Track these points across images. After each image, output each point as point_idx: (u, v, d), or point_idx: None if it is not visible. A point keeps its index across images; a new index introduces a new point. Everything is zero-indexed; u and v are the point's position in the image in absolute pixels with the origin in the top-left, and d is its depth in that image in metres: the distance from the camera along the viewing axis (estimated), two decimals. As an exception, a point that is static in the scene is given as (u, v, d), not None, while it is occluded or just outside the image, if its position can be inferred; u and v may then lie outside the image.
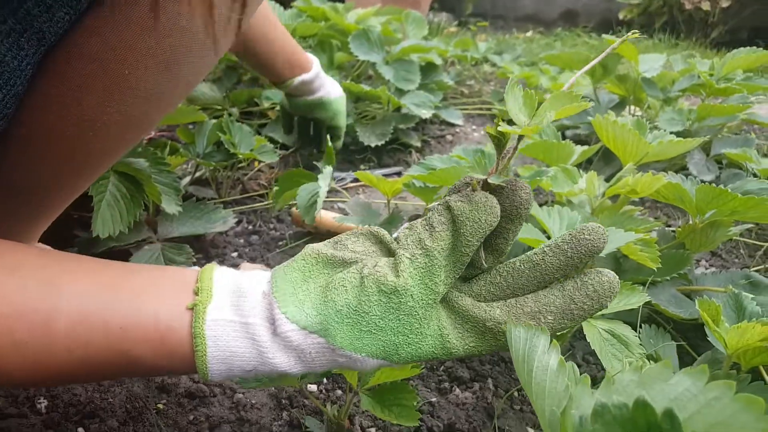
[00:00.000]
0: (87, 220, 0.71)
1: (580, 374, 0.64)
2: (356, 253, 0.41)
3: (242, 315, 0.38)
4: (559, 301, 0.38)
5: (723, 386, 0.26)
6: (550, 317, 0.38)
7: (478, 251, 0.40)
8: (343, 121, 1.14)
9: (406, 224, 0.42)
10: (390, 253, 0.41)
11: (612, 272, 0.38)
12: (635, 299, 0.51)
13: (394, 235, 0.42)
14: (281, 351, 0.38)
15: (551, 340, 0.33)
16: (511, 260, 0.41)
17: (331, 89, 1.09)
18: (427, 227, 0.39)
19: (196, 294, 0.39)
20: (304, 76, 1.02)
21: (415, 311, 0.38)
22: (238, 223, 0.97)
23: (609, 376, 0.28)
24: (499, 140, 0.38)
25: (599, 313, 0.52)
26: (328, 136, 0.94)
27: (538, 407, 0.31)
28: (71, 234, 0.81)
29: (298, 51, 1.02)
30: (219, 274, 0.40)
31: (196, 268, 0.42)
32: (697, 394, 0.26)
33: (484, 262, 0.40)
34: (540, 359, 0.32)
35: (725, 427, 0.25)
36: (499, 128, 0.37)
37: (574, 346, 0.68)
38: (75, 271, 0.39)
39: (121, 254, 0.77)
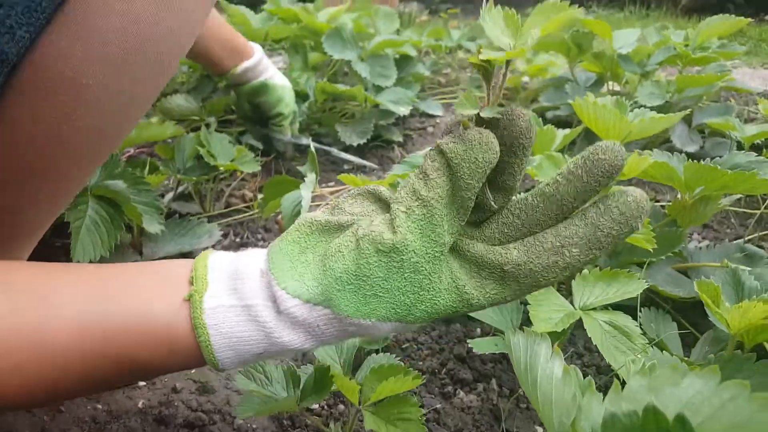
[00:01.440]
0: (69, 248, 0.69)
1: (583, 364, 0.64)
2: (354, 215, 0.39)
3: (242, 298, 0.37)
4: (582, 230, 0.35)
5: (737, 386, 0.25)
6: (575, 250, 0.34)
7: (483, 192, 0.37)
8: (287, 110, 1.13)
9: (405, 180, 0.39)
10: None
11: (639, 190, 0.34)
12: (633, 287, 0.51)
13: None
14: (288, 328, 0.36)
15: (553, 346, 0.32)
16: (521, 196, 0.37)
17: (275, 75, 1.09)
18: (421, 176, 0.36)
19: (192, 284, 0.37)
20: (246, 63, 1.03)
21: (421, 266, 0.35)
22: (225, 236, 0.95)
23: (617, 385, 0.27)
24: (486, 69, 0.35)
25: (600, 304, 0.51)
26: (311, 145, 0.92)
27: (545, 417, 0.30)
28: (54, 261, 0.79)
29: (237, 38, 1.01)
30: (214, 259, 0.39)
31: (191, 260, 0.40)
32: (710, 397, 0.25)
33: (492, 203, 0.37)
34: (544, 368, 0.31)
35: (742, 429, 0.24)
36: (482, 56, 0.34)
37: (575, 335, 0.67)
38: (66, 281, 0.37)
39: (107, 281, 0.75)
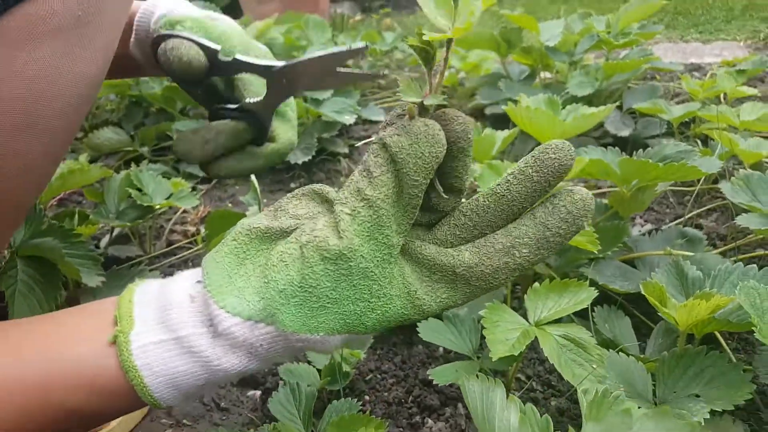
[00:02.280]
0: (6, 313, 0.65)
1: (546, 370, 0.64)
2: (298, 218, 0.36)
3: (172, 330, 0.34)
4: (532, 230, 0.34)
5: (687, 427, 0.25)
6: (525, 250, 0.34)
7: (432, 188, 0.35)
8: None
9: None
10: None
11: (584, 189, 0.35)
12: (584, 296, 0.51)
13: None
14: (227, 353, 0.34)
15: (507, 394, 0.32)
16: (473, 197, 0.36)
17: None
18: (364, 174, 0.34)
19: (116, 324, 0.35)
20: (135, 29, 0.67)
21: (371, 272, 0.33)
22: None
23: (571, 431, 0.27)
24: (426, 52, 0.33)
25: (554, 317, 0.52)
26: (253, 178, 0.84)
27: (509, 465, 0.30)
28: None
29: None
30: (139, 292, 0.36)
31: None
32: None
33: (443, 195, 0.36)
34: (500, 417, 0.31)
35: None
36: (423, 37, 0.31)
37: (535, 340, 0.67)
38: None
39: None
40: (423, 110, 0.34)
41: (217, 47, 0.59)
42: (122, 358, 0.34)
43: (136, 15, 0.63)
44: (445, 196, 0.36)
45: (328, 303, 0.33)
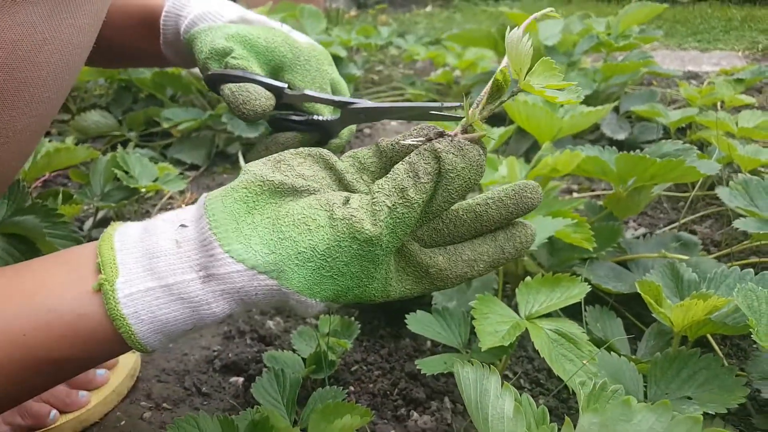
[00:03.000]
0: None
1: (534, 368, 0.63)
2: (305, 179, 0.37)
3: (160, 278, 0.34)
4: (492, 250, 0.39)
5: (690, 421, 0.24)
6: (482, 265, 0.39)
7: None
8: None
9: (350, 153, 0.39)
10: (341, 182, 0.38)
11: (532, 225, 0.40)
12: (576, 291, 0.50)
13: (344, 160, 0.39)
14: (218, 298, 0.34)
15: (502, 382, 0.30)
16: (453, 208, 0.39)
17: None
18: (411, 174, 0.35)
19: (100, 271, 0.34)
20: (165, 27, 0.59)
21: (379, 258, 0.35)
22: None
23: (568, 422, 0.25)
24: (500, 87, 0.35)
25: (545, 311, 0.50)
26: (242, 159, 0.80)
27: (501, 457, 0.29)
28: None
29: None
30: (120, 238, 0.35)
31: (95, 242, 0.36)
32: (665, 432, 0.24)
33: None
34: (494, 405, 0.29)
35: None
36: (522, 82, 0.33)
37: (524, 337, 0.66)
38: None
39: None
40: (465, 131, 0.37)
41: (284, 85, 0.51)
42: (108, 307, 0.33)
43: (161, 13, 0.57)
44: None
45: (336, 275, 0.35)
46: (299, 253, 0.34)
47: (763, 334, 0.43)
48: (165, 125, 1.17)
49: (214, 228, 0.34)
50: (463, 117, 0.37)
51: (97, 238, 0.92)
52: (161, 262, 0.34)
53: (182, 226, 0.35)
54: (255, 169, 0.36)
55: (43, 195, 0.80)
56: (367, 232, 0.34)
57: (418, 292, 0.39)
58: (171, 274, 0.34)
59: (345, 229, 0.34)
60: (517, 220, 0.40)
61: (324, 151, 0.38)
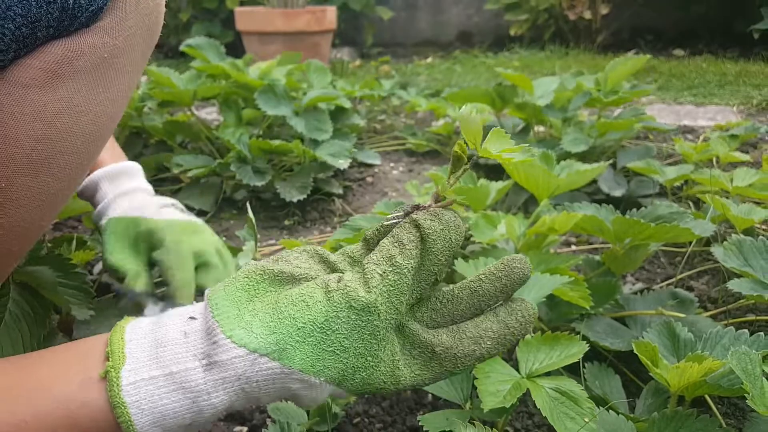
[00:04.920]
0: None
1: (534, 424, 0.64)
2: (302, 269, 0.39)
3: (165, 366, 0.34)
4: (496, 326, 0.40)
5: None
6: (489, 342, 0.39)
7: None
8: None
9: (341, 250, 0.41)
10: (335, 271, 0.40)
11: (531, 301, 0.42)
12: (575, 350, 0.52)
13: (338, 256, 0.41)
14: (218, 387, 0.34)
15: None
16: (448, 287, 0.41)
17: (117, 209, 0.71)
18: (396, 244, 0.38)
19: (108, 359, 0.35)
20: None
21: (379, 331, 0.36)
22: (163, 309, 0.90)
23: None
24: (459, 159, 0.38)
25: (545, 370, 0.52)
26: (250, 213, 0.88)
27: None
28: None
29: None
30: (131, 329, 0.37)
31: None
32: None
33: (438, 278, 0.40)
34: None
35: None
36: (477, 150, 0.37)
37: (524, 397, 0.67)
38: None
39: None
40: (438, 200, 0.40)
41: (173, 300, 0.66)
42: (111, 394, 0.34)
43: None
44: (439, 279, 0.40)
45: (338, 350, 0.35)
46: (299, 329, 0.35)
47: (758, 399, 0.45)
48: (175, 171, 1.20)
49: (217, 315, 0.35)
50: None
51: (106, 283, 0.93)
52: (167, 350, 0.35)
53: (191, 318, 0.37)
54: (256, 262, 0.39)
55: (58, 240, 0.82)
56: (362, 299, 0.35)
57: (430, 378, 0.39)
58: (175, 362, 0.34)
59: (341, 299, 0.36)
60: (516, 296, 0.41)
61: (317, 247, 0.42)
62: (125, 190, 0.73)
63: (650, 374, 0.58)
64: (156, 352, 0.35)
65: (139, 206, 0.71)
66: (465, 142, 0.37)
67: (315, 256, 0.41)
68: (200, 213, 1.23)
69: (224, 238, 1.14)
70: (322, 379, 0.35)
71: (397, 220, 0.40)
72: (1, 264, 0.44)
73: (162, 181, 1.33)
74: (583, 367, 0.62)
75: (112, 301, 0.80)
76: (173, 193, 1.27)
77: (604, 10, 3.75)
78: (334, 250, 0.81)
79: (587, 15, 3.75)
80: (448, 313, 0.40)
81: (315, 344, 0.35)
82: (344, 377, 0.36)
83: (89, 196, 0.74)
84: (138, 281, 0.67)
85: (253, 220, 0.86)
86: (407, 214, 0.40)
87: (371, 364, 0.36)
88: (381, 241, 0.39)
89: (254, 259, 0.86)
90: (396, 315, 0.37)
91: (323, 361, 0.35)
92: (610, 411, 0.51)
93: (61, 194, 0.42)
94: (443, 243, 0.38)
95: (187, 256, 0.67)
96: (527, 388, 0.49)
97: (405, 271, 0.37)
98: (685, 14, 3.86)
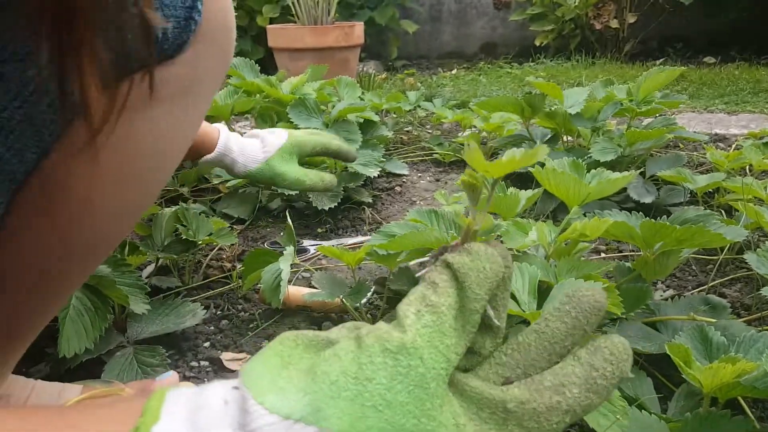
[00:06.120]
0: (55, 333, 0.69)
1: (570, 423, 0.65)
2: (339, 334, 0.36)
3: (198, 429, 0.31)
4: (579, 370, 0.34)
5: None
6: (575, 390, 0.33)
7: (485, 314, 0.36)
8: (284, 181, 1.08)
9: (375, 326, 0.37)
10: None
11: (621, 337, 0.35)
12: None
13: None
14: None
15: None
16: (512, 337, 0.37)
17: (247, 160, 1.05)
18: (429, 285, 0.34)
19: (142, 416, 0.32)
20: (207, 157, 1.02)
21: (427, 382, 0.31)
22: (207, 308, 0.95)
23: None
24: (473, 188, 0.36)
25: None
26: (289, 221, 0.94)
27: None
28: (41, 349, 0.78)
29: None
30: (173, 392, 0.34)
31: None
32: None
33: (495, 321, 0.36)
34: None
35: None
36: (472, 173, 0.36)
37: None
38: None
39: (94, 364, 0.75)
40: (469, 237, 0.37)
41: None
42: None
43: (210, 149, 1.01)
44: (497, 322, 0.36)
45: (380, 404, 0.31)
46: (332, 383, 0.31)
47: (789, 397, 0.46)
48: (215, 182, 1.25)
49: (248, 382, 0.32)
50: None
51: (155, 286, 0.98)
52: (204, 415, 0.32)
53: (235, 387, 0.34)
54: (291, 331, 0.36)
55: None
56: (396, 339, 0.32)
57: None
58: (208, 427, 0.31)
59: (373, 342, 0.32)
60: (598, 334, 0.37)
61: (358, 322, 0.38)
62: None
63: (682, 377, 0.60)
64: (193, 416, 0.32)
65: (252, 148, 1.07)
66: (474, 171, 0.36)
67: (351, 327, 0.37)
68: (238, 221, 1.27)
69: (262, 244, 1.18)
70: None
71: (427, 268, 0.36)
72: (86, 270, 0.48)
73: (203, 192, 1.39)
74: (616, 369, 0.64)
75: (162, 300, 0.85)
76: (213, 203, 1.32)
77: (631, 19, 3.74)
78: (370, 254, 0.84)
79: (614, 24, 3.75)
80: (516, 364, 0.36)
81: (351, 399, 0.30)
82: None
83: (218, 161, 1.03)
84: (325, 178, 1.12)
85: (292, 227, 0.90)
86: (436, 257, 0.36)
87: (428, 428, 0.31)
88: (415, 287, 0.35)
89: (293, 264, 0.89)
90: (445, 363, 0.32)
91: (365, 420, 0.30)
92: (643, 410, 0.53)
93: (143, 207, 0.46)
94: (477, 275, 0.34)
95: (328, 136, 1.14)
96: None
97: (443, 309, 0.33)
98: (715, 21, 3.82)
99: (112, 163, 0.40)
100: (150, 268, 1.00)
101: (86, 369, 0.74)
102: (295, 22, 2.91)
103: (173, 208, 0.94)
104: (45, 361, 0.76)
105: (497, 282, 0.35)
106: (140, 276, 0.76)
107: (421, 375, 0.31)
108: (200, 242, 0.90)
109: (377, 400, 0.30)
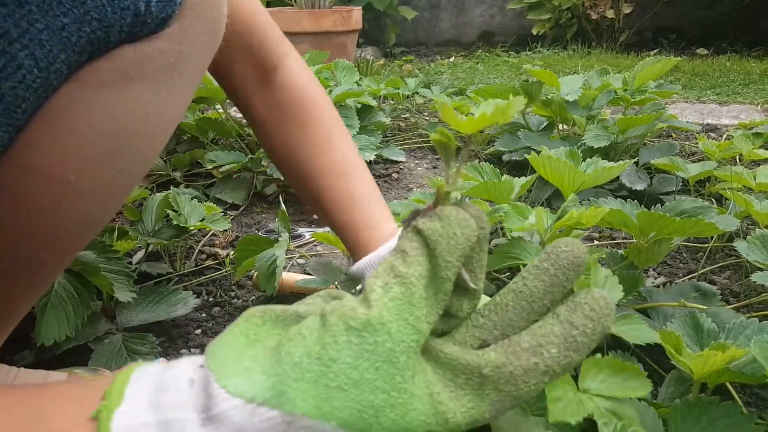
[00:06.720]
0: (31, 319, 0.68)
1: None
2: (309, 307, 0.34)
3: (161, 412, 0.30)
4: (558, 328, 0.32)
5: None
6: (553, 350, 0.32)
7: (459, 277, 0.34)
8: None
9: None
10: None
11: (604, 291, 0.33)
12: (638, 387, 0.48)
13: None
14: None
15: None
16: (490, 298, 0.35)
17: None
18: (397, 254, 0.32)
19: (104, 399, 0.31)
20: (358, 264, 0.70)
21: (396, 356, 0.30)
22: (198, 295, 0.95)
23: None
24: (446, 146, 0.34)
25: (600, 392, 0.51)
26: (282, 207, 0.92)
27: None
28: (26, 336, 0.77)
29: (370, 226, 0.67)
30: (139, 372, 0.33)
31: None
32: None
33: (471, 284, 0.34)
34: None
35: None
36: (443, 129, 0.33)
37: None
38: None
39: (81, 351, 0.74)
40: (442, 199, 0.34)
41: None
42: None
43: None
44: (473, 285, 0.35)
45: (346, 384, 0.29)
46: (296, 364, 0.30)
47: (778, 383, 0.47)
48: (208, 166, 1.25)
49: (211, 365, 0.31)
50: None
51: (145, 272, 0.97)
52: (168, 396, 0.31)
53: (201, 366, 0.32)
54: (258, 306, 0.35)
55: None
56: (362, 316, 0.30)
57: (489, 410, 0.32)
58: (173, 409, 0.30)
59: (337, 320, 0.30)
60: (579, 288, 0.34)
61: (332, 291, 0.37)
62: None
63: (672, 364, 0.60)
64: (156, 396, 0.31)
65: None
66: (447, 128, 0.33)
67: (327, 297, 0.35)
68: (232, 207, 1.27)
69: (256, 231, 1.18)
70: (333, 424, 0.29)
71: (399, 233, 0.34)
72: (68, 255, 0.47)
73: (196, 176, 1.38)
74: (606, 355, 0.64)
75: (152, 288, 0.84)
76: (206, 188, 1.32)
77: (626, 10, 3.73)
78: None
79: (610, 14, 3.74)
80: (494, 325, 0.34)
81: (315, 380, 0.29)
82: (365, 421, 0.30)
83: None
84: None
85: (286, 213, 0.90)
86: (408, 222, 0.34)
87: (399, 401, 0.30)
88: (385, 256, 0.34)
89: (288, 249, 0.89)
90: (415, 335, 0.31)
91: (330, 400, 0.29)
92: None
93: (125, 189, 0.45)
94: (447, 241, 0.32)
95: None
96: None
97: (412, 279, 0.31)
98: (709, 13, 3.83)
99: (87, 141, 0.38)
100: (140, 254, 1.00)
101: (73, 356, 0.73)
102: (293, 6, 2.88)
103: (164, 193, 0.93)
104: (30, 347, 0.75)
105: (470, 246, 0.33)
106: (128, 263, 0.75)
107: (389, 350, 0.30)
108: (192, 228, 0.89)
109: (342, 380, 0.29)
